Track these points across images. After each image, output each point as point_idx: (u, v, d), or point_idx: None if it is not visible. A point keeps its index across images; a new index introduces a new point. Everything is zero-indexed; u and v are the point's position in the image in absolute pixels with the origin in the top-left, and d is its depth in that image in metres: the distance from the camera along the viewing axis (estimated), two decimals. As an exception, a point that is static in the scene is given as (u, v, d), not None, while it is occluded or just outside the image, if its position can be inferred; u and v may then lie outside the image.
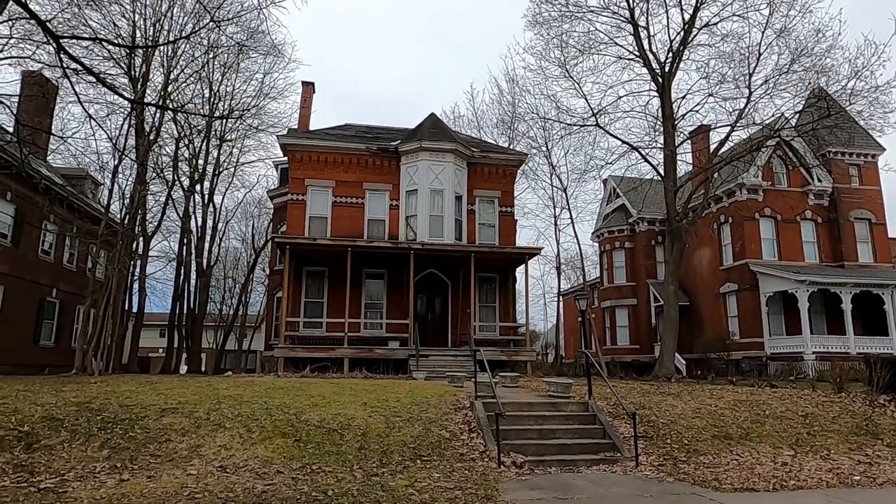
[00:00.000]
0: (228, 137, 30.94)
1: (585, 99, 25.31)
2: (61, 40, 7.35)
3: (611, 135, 23.75)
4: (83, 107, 8.87)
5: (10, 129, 17.93)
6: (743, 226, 27.21)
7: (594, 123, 23.43)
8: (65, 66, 7.69)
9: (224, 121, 28.62)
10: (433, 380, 15.76)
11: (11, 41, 15.50)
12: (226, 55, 27.17)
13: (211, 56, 26.17)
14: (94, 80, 8.57)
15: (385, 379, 15.85)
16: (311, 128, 26.15)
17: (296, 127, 26.34)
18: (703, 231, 28.69)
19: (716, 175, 24.57)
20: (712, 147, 24.45)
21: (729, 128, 22.12)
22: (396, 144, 23.74)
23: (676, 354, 22.72)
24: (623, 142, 23.40)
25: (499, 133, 36.50)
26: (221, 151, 31.17)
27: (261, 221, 41.28)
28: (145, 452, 8.05)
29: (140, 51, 21.38)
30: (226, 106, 28.97)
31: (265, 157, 41.34)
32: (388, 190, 23.67)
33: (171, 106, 23.05)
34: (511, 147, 31.80)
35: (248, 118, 29.44)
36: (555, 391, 11.91)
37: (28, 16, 7.63)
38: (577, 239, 36.72)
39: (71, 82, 8.53)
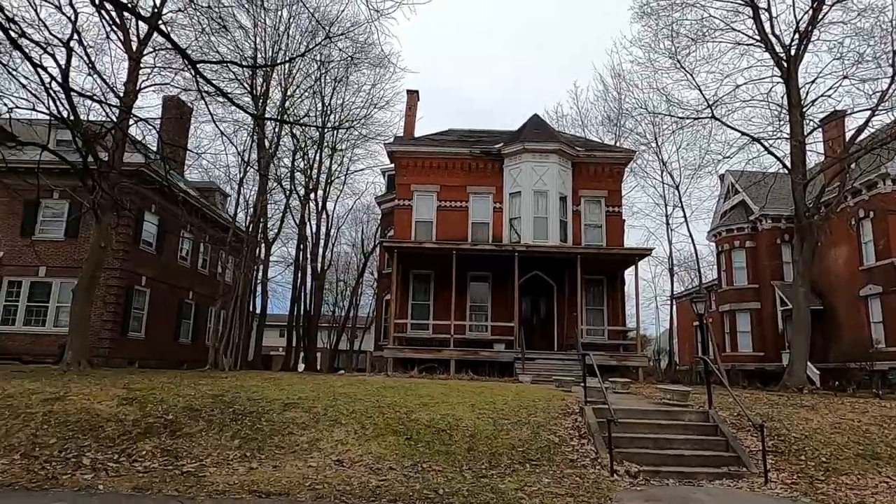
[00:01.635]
0: (339, 147, 32.68)
1: (699, 90, 23.65)
2: (197, 65, 8.12)
3: (728, 126, 22.16)
4: (216, 125, 9.88)
5: (154, 149, 20.08)
6: (887, 221, 24.24)
7: (709, 115, 21.98)
8: (200, 88, 8.51)
9: (335, 131, 30.27)
10: (539, 383, 15.56)
11: (154, 70, 17.55)
12: (336, 69, 28.71)
13: (323, 71, 27.78)
14: (225, 100, 9.42)
15: (491, 381, 15.88)
16: (416, 134, 26.86)
17: (401, 134, 27.17)
18: (839, 228, 25.93)
19: (853, 165, 22.11)
20: (849, 135, 22.04)
21: (869, 112, 19.79)
22: (499, 147, 23.76)
23: (808, 363, 20.71)
24: (743, 133, 21.75)
25: (604, 131, 35.43)
26: (333, 161, 33.00)
27: (369, 227, 43.01)
28: (270, 444, 8.65)
29: (261, 70, 23.15)
30: (337, 117, 30.59)
31: (373, 164, 43.14)
32: (492, 193, 23.72)
33: (289, 119, 24.76)
34: (617, 144, 30.69)
35: (357, 128, 30.93)
36: (670, 399, 11.32)
37: (170, 45, 8.55)
38: (692, 238, 34.66)
39: (206, 103, 9.43)
